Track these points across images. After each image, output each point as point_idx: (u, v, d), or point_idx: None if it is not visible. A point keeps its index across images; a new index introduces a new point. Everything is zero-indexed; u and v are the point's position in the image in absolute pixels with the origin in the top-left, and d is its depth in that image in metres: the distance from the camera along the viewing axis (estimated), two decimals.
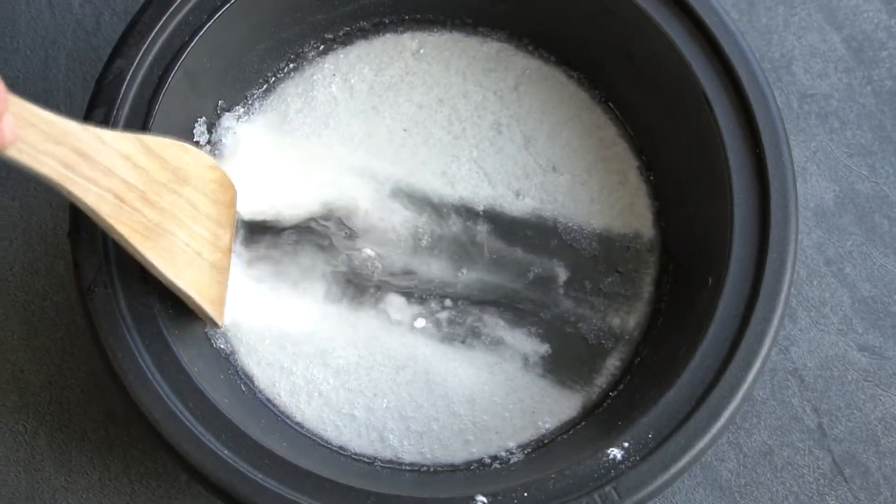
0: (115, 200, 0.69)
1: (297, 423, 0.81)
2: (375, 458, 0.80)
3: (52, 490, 0.83)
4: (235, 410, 0.73)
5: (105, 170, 0.69)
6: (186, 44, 0.78)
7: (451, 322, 0.83)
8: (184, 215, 0.75)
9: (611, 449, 0.70)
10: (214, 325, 0.80)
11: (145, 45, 0.77)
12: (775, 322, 0.72)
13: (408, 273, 0.84)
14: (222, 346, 0.82)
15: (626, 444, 0.70)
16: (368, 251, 0.84)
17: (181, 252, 0.75)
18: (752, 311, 0.72)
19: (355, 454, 0.80)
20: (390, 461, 0.80)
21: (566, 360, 0.83)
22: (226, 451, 0.69)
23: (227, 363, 0.82)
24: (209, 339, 0.81)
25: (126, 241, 0.70)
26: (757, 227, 0.74)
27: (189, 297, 0.75)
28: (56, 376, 0.86)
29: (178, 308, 0.76)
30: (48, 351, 0.86)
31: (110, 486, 0.83)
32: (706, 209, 0.79)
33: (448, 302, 0.84)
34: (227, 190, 0.80)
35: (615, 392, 0.82)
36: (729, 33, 0.78)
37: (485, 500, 0.68)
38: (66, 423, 0.85)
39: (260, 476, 0.68)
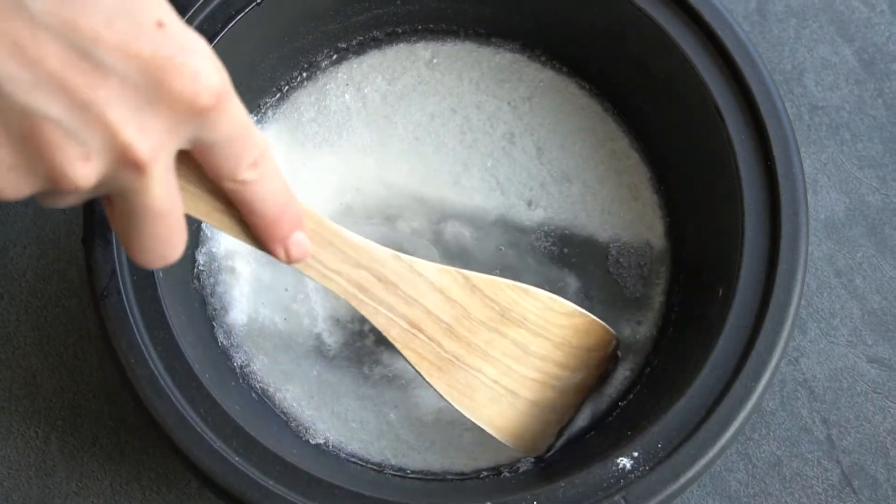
0: (409, 328, 0.72)
1: (307, 431, 0.81)
2: (384, 465, 0.80)
3: (64, 495, 0.83)
4: (246, 418, 0.73)
5: (407, 298, 0.71)
6: None
7: None
8: (500, 354, 0.76)
9: (620, 458, 0.69)
10: (534, 455, 0.81)
11: None
12: (785, 333, 0.72)
13: None
14: (234, 355, 0.82)
15: (635, 454, 0.69)
16: None
17: (483, 388, 0.76)
18: (762, 323, 0.72)
19: (365, 462, 0.81)
20: (400, 469, 0.80)
21: None
22: (236, 458, 0.69)
23: (238, 371, 0.82)
24: (221, 348, 0.81)
25: (412, 366, 0.74)
26: (767, 238, 0.74)
27: (485, 429, 0.77)
28: (68, 382, 0.86)
29: (190, 315, 0.77)
30: (60, 357, 0.86)
31: (121, 491, 0.83)
32: (717, 220, 0.79)
33: None
34: (589, 337, 0.80)
35: (624, 401, 0.82)
36: (741, 45, 0.77)
37: None
38: (77, 428, 0.85)
39: (270, 482, 0.68)
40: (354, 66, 0.90)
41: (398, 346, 0.72)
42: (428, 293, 0.72)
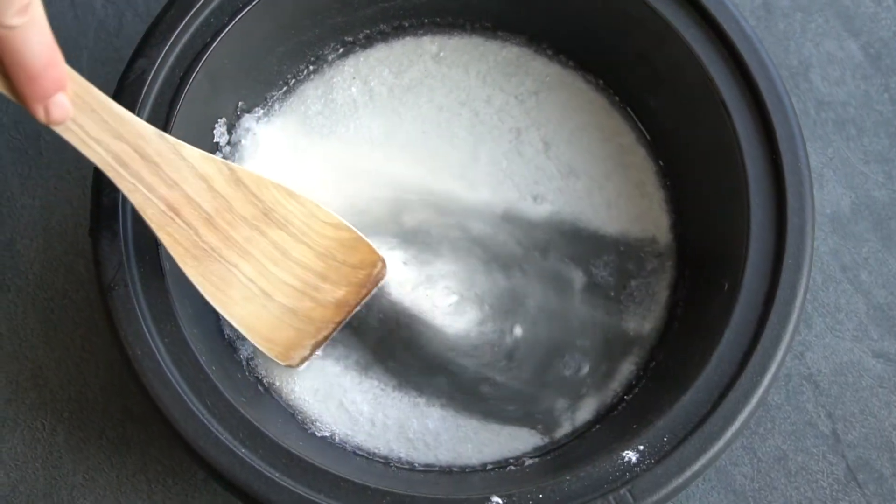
0: (167, 210, 0.70)
1: (313, 424, 0.81)
2: (390, 458, 0.80)
3: (70, 487, 0.83)
4: (252, 410, 0.73)
5: (168, 181, 0.70)
6: (208, 45, 0.78)
7: None
8: (259, 253, 0.76)
9: (626, 451, 0.70)
10: (284, 363, 0.81)
11: (167, 46, 0.77)
12: (791, 328, 0.72)
13: (426, 275, 0.85)
14: (240, 348, 0.82)
15: (641, 447, 0.70)
16: (385, 255, 0.84)
17: (238, 284, 0.75)
18: (767, 317, 0.72)
19: (371, 455, 0.81)
20: (406, 462, 0.80)
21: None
22: (243, 450, 0.69)
23: (244, 364, 0.82)
24: (227, 341, 0.82)
25: (166, 249, 0.72)
26: (773, 232, 0.74)
27: (235, 326, 0.77)
28: (75, 374, 0.86)
29: (197, 308, 0.77)
30: (67, 349, 0.86)
31: (127, 483, 0.83)
32: (723, 215, 0.79)
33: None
34: (354, 252, 0.80)
35: (630, 395, 0.82)
36: (747, 40, 0.78)
37: (500, 500, 0.68)
38: (84, 420, 0.85)
39: (277, 474, 0.68)
40: (361, 59, 0.90)
41: (153, 226, 0.70)
42: (190, 178, 0.71)
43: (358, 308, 0.83)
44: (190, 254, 0.72)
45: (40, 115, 0.60)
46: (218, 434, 0.69)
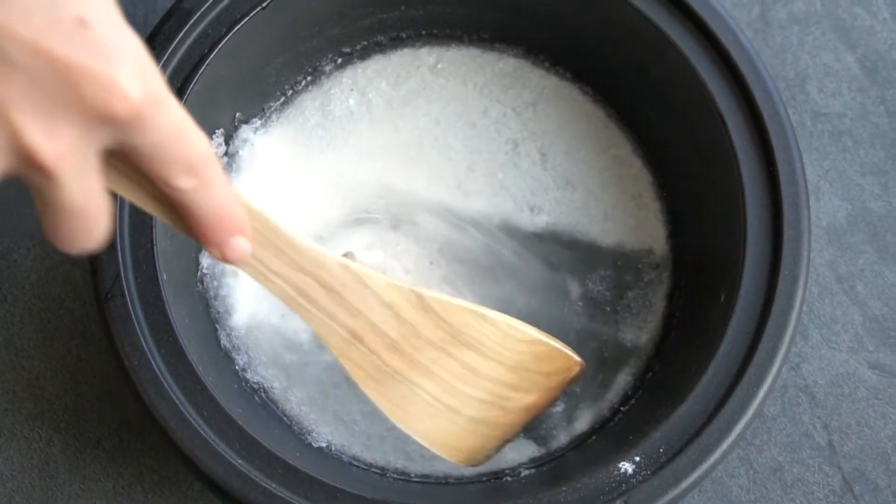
0: (350, 338, 0.70)
1: (310, 434, 0.81)
2: (387, 469, 0.80)
3: (66, 497, 0.83)
4: (249, 420, 0.73)
5: (352, 309, 0.69)
6: (205, 56, 0.78)
7: None
8: (446, 374, 0.74)
9: (622, 462, 0.70)
10: (469, 465, 0.79)
11: (164, 57, 0.77)
12: (787, 339, 0.72)
13: (424, 285, 0.83)
14: (236, 358, 0.82)
15: (637, 458, 0.70)
16: (384, 263, 0.84)
17: (422, 403, 0.74)
18: (763, 328, 0.72)
19: (367, 466, 0.81)
20: (402, 473, 0.80)
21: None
22: (239, 460, 0.69)
23: (240, 374, 0.82)
24: (224, 351, 0.81)
25: (346, 371, 0.72)
26: (769, 244, 0.74)
27: (418, 441, 0.76)
28: (71, 384, 0.86)
29: (194, 318, 0.77)
30: (64, 359, 0.86)
31: (123, 493, 0.83)
32: (719, 226, 0.79)
33: None
34: (549, 363, 0.77)
35: (626, 406, 0.82)
36: (744, 52, 0.77)
37: None
38: (80, 430, 0.85)
39: (273, 485, 0.68)
40: (359, 70, 0.90)
41: (335, 352, 0.70)
42: (375, 307, 0.69)
43: (548, 409, 0.81)
44: (372, 377, 0.72)
45: (216, 255, 0.57)
46: (214, 444, 0.69)
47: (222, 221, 0.55)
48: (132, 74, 0.46)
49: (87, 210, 0.49)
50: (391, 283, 0.69)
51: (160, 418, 0.69)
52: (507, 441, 0.80)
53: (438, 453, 0.77)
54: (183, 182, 0.51)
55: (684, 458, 0.69)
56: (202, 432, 0.69)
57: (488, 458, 0.80)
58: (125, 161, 0.51)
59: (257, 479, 0.68)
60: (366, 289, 0.68)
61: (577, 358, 0.78)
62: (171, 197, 0.52)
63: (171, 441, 0.69)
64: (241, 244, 0.57)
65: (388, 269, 0.84)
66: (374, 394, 0.73)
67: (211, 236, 0.55)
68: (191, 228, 0.55)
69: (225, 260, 0.57)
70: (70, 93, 0.44)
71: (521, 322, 0.75)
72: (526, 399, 0.78)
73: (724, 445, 0.70)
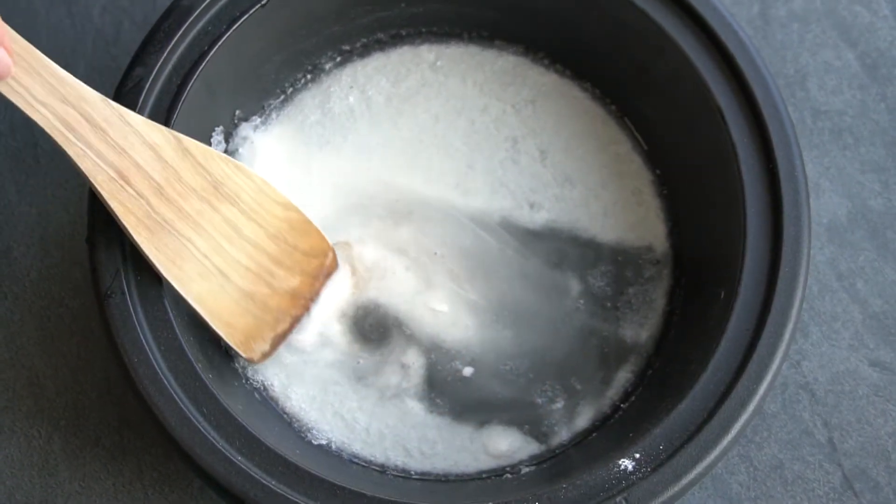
0: (117, 178, 0.70)
1: (310, 432, 0.81)
2: (387, 466, 0.80)
3: (66, 495, 0.83)
4: (249, 417, 0.72)
5: (117, 147, 0.69)
6: (205, 53, 0.78)
7: None
8: (211, 228, 0.75)
9: (622, 460, 0.69)
10: (245, 355, 0.80)
11: (164, 54, 0.77)
12: (787, 336, 0.72)
13: (424, 283, 0.85)
14: (237, 358, 0.82)
15: (637, 455, 0.70)
16: (384, 260, 0.84)
17: (192, 259, 0.74)
18: (763, 326, 0.72)
19: (367, 463, 0.80)
20: (402, 470, 0.80)
21: (578, 371, 0.83)
22: (239, 457, 0.69)
23: (241, 372, 0.82)
24: (224, 348, 0.81)
25: (118, 220, 0.71)
26: (769, 241, 0.74)
27: (191, 307, 0.75)
28: (71, 382, 0.86)
29: (194, 316, 0.76)
30: (64, 356, 0.86)
31: (123, 491, 0.83)
32: (719, 223, 0.79)
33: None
34: (305, 237, 0.80)
35: (626, 403, 0.82)
36: (744, 49, 0.78)
37: None
38: (80, 428, 0.85)
39: (273, 482, 0.68)
40: (358, 68, 0.90)
41: (105, 195, 0.70)
42: (138, 146, 0.70)
43: (313, 304, 0.82)
44: (143, 224, 0.71)
45: None
46: (214, 442, 0.69)
47: None
48: None
49: None
50: (150, 122, 0.71)
51: (160, 415, 0.69)
52: (279, 336, 0.81)
53: (215, 328, 0.76)
54: None
55: (684, 455, 0.69)
56: (202, 429, 0.69)
57: (264, 354, 0.80)
58: None
59: (257, 476, 0.68)
60: (127, 126, 0.70)
61: (329, 240, 0.81)
62: None
63: (171, 438, 0.69)
64: (3, 56, 0.59)
65: (388, 265, 0.84)
66: (147, 244, 0.72)
67: None
68: None
69: None
70: None
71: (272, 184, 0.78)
72: (290, 280, 0.80)
73: (724, 442, 0.69)
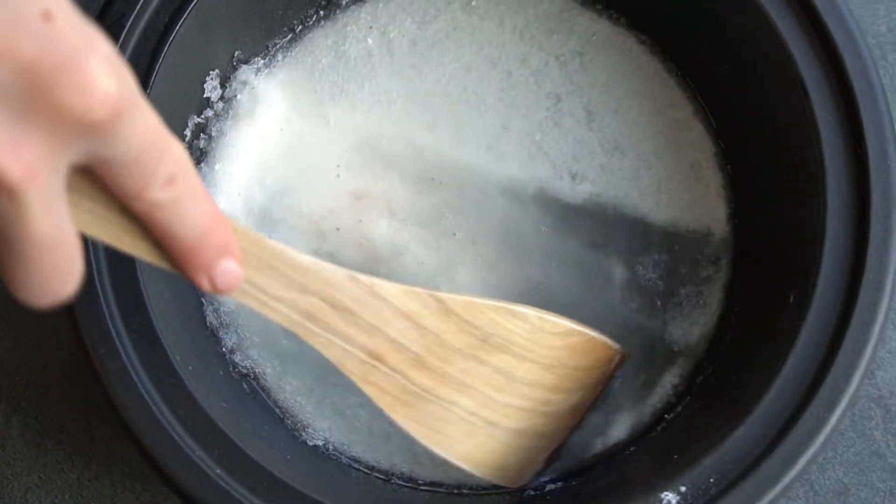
0: (369, 359, 0.66)
1: (305, 430, 0.77)
2: (392, 474, 0.77)
3: (24, 488, 0.79)
4: (234, 416, 0.68)
5: (367, 327, 0.65)
6: None
7: None
8: (480, 384, 0.71)
9: (665, 493, 0.64)
10: (516, 486, 0.76)
11: None
12: (867, 355, 0.66)
13: (446, 262, 0.81)
14: (223, 337, 0.78)
15: (682, 489, 0.64)
16: (396, 235, 0.81)
17: (458, 422, 0.71)
18: (840, 341, 0.65)
19: (370, 469, 0.77)
20: (409, 479, 0.77)
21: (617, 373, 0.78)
22: (218, 470, 0.64)
23: (227, 357, 0.78)
24: (209, 329, 0.77)
25: (373, 400, 0.68)
26: (853, 240, 0.67)
27: (459, 465, 0.72)
28: (34, 357, 0.82)
29: (174, 292, 0.72)
30: (27, 327, 0.83)
31: (89, 486, 0.79)
32: (792, 212, 0.73)
33: None
34: (587, 356, 0.74)
35: (671, 414, 0.77)
36: (834, 9, 0.70)
37: None
38: (42, 411, 0.81)
39: (256, 501, 0.63)
40: (380, 5, 0.85)
41: (355, 379, 0.66)
42: (392, 320, 0.66)
43: (591, 412, 0.78)
44: (399, 401, 0.68)
45: (204, 285, 0.54)
46: (189, 452, 0.64)
47: (207, 237, 0.52)
48: (107, 72, 0.42)
49: (60, 243, 0.45)
50: (406, 290, 0.67)
51: (126, 417, 0.64)
52: (556, 452, 0.76)
53: (485, 476, 0.73)
54: (160, 194, 0.47)
55: (739, 493, 0.63)
56: (175, 436, 0.64)
57: (537, 473, 0.76)
58: (91, 182, 0.47)
59: (238, 496, 0.63)
60: (379, 301, 0.65)
61: (616, 346, 0.75)
62: (147, 216, 0.49)
63: (139, 444, 0.64)
64: (230, 267, 0.54)
65: (403, 242, 0.80)
66: (405, 420, 0.69)
67: (196, 259, 0.52)
68: (172, 252, 0.52)
69: (217, 290, 0.54)
70: (39, 97, 0.40)
71: (550, 313, 0.72)
72: (569, 401, 0.75)
73: (787, 479, 0.64)
